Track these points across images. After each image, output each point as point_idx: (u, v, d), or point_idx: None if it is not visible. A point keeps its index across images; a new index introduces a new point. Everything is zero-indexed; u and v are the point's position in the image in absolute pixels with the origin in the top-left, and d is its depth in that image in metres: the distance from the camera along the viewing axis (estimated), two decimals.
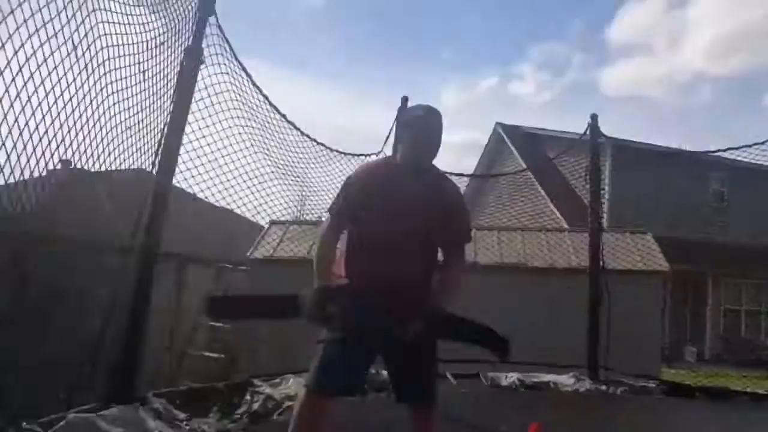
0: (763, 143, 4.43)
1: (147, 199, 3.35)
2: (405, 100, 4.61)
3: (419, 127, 2.25)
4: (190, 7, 2.89)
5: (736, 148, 4.56)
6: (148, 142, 3.42)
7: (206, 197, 3.87)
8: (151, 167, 3.50)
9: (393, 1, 47.28)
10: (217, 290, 8.10)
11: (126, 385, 2.98)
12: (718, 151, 4.83)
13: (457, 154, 36.49)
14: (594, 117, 5.04)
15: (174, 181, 3.44)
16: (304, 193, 5.38)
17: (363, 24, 49.80)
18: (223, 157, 3.31)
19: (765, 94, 40.32)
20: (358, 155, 4.50)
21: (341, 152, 4.33)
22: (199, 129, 3.25)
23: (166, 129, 3.34)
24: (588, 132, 5.07)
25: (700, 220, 14.61)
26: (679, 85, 41.13)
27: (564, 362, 5.40)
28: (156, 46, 2.88)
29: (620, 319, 4.95)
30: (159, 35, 2.88)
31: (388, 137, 4.41)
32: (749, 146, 4.47)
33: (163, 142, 3.38)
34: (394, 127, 4.40)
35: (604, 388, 4.87)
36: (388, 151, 4.47)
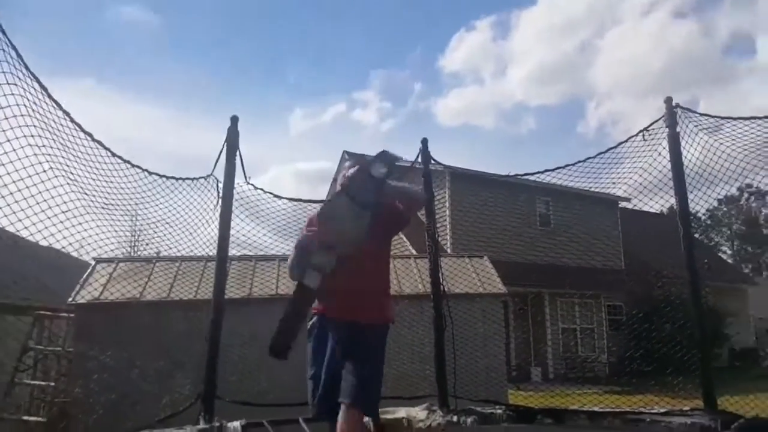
0: (574, 165, 4.76)
1: None
2: (235, 120, 4.33)
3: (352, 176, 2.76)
4: None
5: (553, 170, 4.87)
6: None
7: (8, 229, 3.32)
8: None
9: (234, 23, 46.78)
10: (36, 341, 7.06)
11: None
12: (536, 173, 5.15)
13: (311, 182, 36.90)
14: (424, 142, 5.10)
15: None
16: (136, 227, 4.87)
17: (202, 46, 48.55)
18: (14, 182, 2.81)
19: (579, 122, 46.29)
20: (183, 179, 4.13)
21: (161, 176, 3.93)
22: None
23: None
24: (419, 158, 5.10)
25: (531, 243, 16.03)
26: (506, 113, 45.78)
27: (420, 391, 5.37)
28: None
29: (465, 344, 5.02)
30: None
31: (217, 160, 4.11)
32: (562, 168, 4.79)
33: None
34: (225, 147, 4.14)
35: (455, 419, 4.89)
36: (219, 175, 4.22)
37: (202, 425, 4.21)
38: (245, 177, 4.45)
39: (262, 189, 4.78)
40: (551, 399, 6.38)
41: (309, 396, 2.74)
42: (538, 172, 5.08)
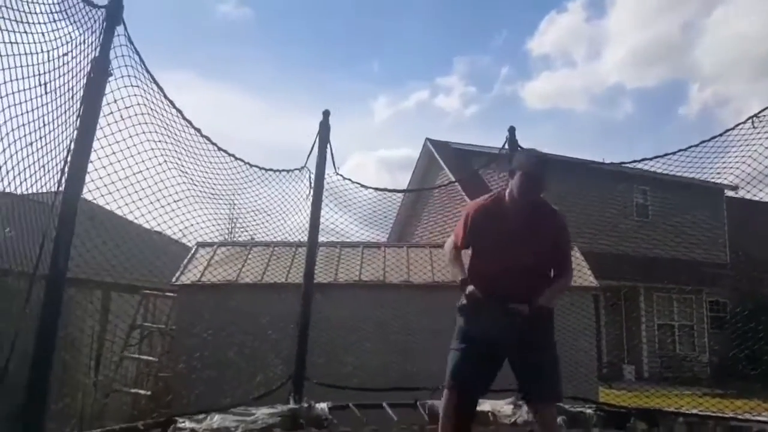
0: (675, 153, 4.58)
1: (52, 221, 3.13)
2: (326, 114, 4.54)
3: (529, 172, 2.73)
4: (96, 17, 2.70)
5: (650, 159, 4.71)
6: (53, 159, 3.18)
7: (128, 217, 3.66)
8: (57, 186, 3.27)
9: (321, 15, 47.35)
10: (143, 318, 7.66)
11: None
12: (633, 162, 4.97)
13: (391, 170, 37.10)
14: (511, 130, 5.08)
15: (97, 201, 3.26)
16: (233, 214, 5.19)
17: (292, 37, 49.56)
18: (134, 174, 3.10)
19: (681, 106, 42.97)
20: (279, 171, 4.37)
21: (261, 168, 4.19)
22: (109, 145, 3.03)
23: (72, 145, 3.12)
24: (506, 145, 5.07)
25: (626, 234, 15.14)
26: (600, 96, 43.17)
27: (505, 382, 5.31)
28: (58, 57, 2.67)
29: None
30: (61, 45, 2.68)
31: (310, 152, 4.33)
32: (661, 156, 4.61)
33: (69, 159, 3.16)
34: (317, 141, 4.36)
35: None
36: (311, 166, 4.45)
37: (292, 405, 4.43)
38: (335, 168, 4.66)
39: (350, 179, 4.97)
40: (645, 399, 6.09)
41: (450, 367, 2.83)
42: (636, 161, 4.89)
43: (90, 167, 3.20)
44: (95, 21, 2.70)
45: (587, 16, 41.75)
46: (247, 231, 5.32)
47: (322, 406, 4.41)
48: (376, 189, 5.21)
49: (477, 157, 16.68)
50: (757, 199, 5.23)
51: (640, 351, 14.92)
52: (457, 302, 2.91)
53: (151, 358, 7.80)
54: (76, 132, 3.07)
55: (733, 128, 4.34)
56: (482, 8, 43.43)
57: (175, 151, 3.24)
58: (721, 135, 4.45)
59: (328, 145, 4.50)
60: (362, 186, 5.05)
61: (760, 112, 4.10)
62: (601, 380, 9.35)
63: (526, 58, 43.29)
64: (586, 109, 42.56)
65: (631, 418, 4.95)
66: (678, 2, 39.16)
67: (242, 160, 3.96)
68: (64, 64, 2.80)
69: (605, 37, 42.46)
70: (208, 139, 3.51)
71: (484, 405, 4.82)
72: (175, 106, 3.16)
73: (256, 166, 4.15)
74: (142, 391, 7.38)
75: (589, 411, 4.96)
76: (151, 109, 2.99)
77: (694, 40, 40.23)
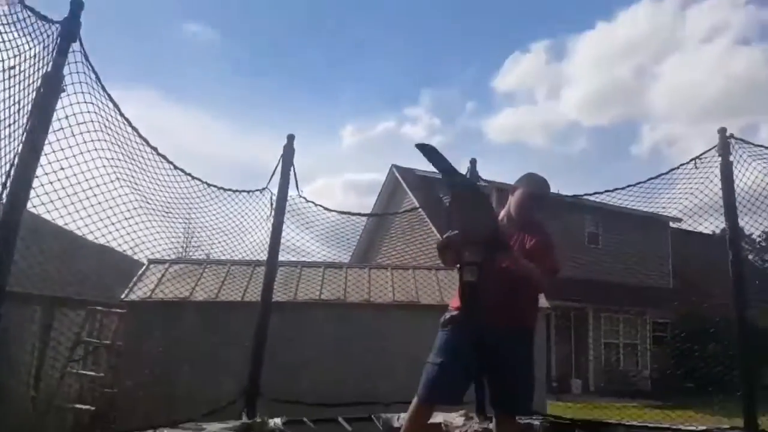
0: (624, 188, 4.87)
1: None
2: (291, 138, 4.57)
3: (527, 190, 2.86)
4: (50, 32, 2.64)
5: (602, 192, 5.03)
6: None
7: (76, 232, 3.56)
8: None
9: (292, 40, 47.47)
10: (88, 334, 7.39)
11: None
12: (587, 195, 5.28)
13: (358, 192, 37.38)
14: (473, 162, 5.31)
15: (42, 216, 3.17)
16: (189, 231, 5.09)
17: (260, 59, 49.37)
18: (84, 191, 3.02)
19: (633, 144, 45.42)
20: (239, 191, 4.35)
21: (219, 188, 4.15)
22: (57, 161, 2.95)
23: (16, 159, 3.03)
24: (468, 175, 5.29)
25: (577, 260, 15.75)
26: (558, 133, 45.14)
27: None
28: (3, 69, 2.60)
29: None
30: (8, 58, 2.61)
31: (273, 175, 4.33)
32: (611, 191, 4.93)
33: (12, 173, 3.06)
34: (281, 163, 4.38)
35: (491, 426, 4.88)
36: (273, 188, 4.44)
37: (244, 420, 4.37)
38: (298, 190, 4.68)
39: (313, 202, 4.98)
40: (591, 411, 6.30)
41: (424, 380, 2.79)
42: (589, 194, 5.15)
43: (36, 182, 3.11)
44: (48, 36, 2.64)
45: (548, 58, 43.88)
46: (202, 249, 5.23)
47: (276, 420, 4.35)
48: (340, 212, 5.25)
49: (441, 185, 16.99)
50: (699, 230, 5.65)
51: (587, 367, 15.53)
52: (441, 318, 2.89)
53: (96, 373, 7.52)
54: (21, 146, 2.98)
55: (677, 167, 4.72)
56: (451, 44, 44.74)
57: (129, 168, 3.19)
58: (667, 173, 4.82)
59: (292, 168, 4.51)
60: (325, 209, 5.08)
61: (702, 154, 4.47)
62: (550, 393, 9.61)
63: (490, 94, 45.01)
64: (545, 144, 44.42)
65: (575, 430, 5.12)
66: (631, 49, 41.59)
67: (199, 179, 3.91)
68: (11, 76, 2.73)
69: (565, 78, 44.60)
70: (164, 157, 3.46)
71: (437, 417, 4.89)
72: (131, 124, 3.11)
73: (214, 186, 4.10)
74: (84, 407, 7.10)
75: (536, 423, 5.09)
76: (105, 126, 2.93)
77: (646, 84, 42.63)
